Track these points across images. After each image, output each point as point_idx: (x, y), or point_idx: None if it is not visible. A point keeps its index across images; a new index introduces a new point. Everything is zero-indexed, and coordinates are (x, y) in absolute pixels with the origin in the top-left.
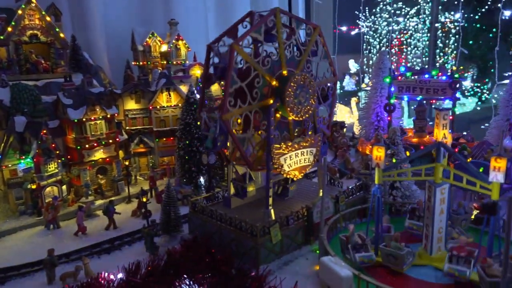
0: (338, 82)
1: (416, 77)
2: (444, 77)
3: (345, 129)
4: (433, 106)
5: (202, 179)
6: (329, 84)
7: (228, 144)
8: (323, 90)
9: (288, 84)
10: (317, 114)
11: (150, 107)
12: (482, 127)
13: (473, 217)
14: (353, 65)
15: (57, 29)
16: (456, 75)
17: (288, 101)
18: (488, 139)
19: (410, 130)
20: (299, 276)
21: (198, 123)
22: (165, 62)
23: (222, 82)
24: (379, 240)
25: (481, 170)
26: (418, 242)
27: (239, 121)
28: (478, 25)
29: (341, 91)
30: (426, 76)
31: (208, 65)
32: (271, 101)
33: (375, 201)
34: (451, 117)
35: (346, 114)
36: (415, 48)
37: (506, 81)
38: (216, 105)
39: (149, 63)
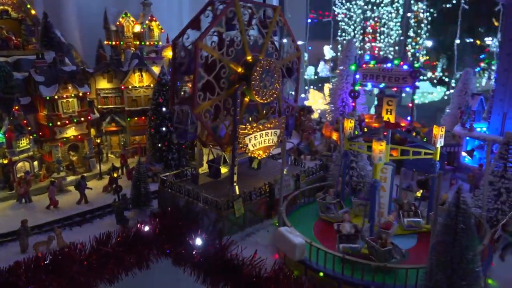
0: (313, 68)
1: (379, 65)
2: (405, 66)
3: (316, 114)
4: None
5: (172, 158)
6: (293, 60)
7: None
8: (287, 66)
9: (254, 69)
10: (282, 98)
11: (122, 87)
12: (443, 115)
13: (419, 194)
14: (328, 51)
15: (29, 6)
16: (417, 65)
17: (254, 85)
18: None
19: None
20: (259, 246)
21: (169, 104)
22: (138, 42)
23: (191, 76)
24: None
25: (424, 139)
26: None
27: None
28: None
29: (316, 77)
30: (389, 65)
31: (175, 60)
32: (238, 69)
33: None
34: (410, 104)
35: (320, 100)
36: (388, 37)
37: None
38: (187, 98)
39: (122, 43)
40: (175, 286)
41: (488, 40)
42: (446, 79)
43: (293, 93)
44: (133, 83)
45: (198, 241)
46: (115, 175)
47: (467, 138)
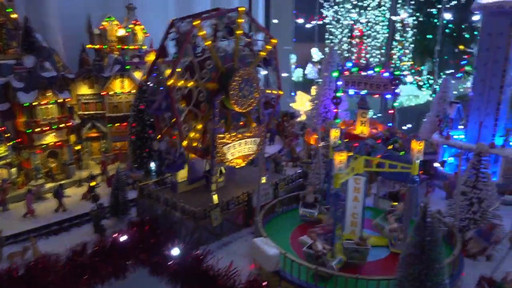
0: (301, 70)
1: (361, 72)
2: (386, 74)
3: (303, 116)
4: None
5: (153, 165)
6: (273, 96)
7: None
8: (264, 59)
9: (232, 79)
10: (261, 107)
11: (104, 93)
12: (424, 120)
13: (395, 203)
14: (316, 54)
15: (9, 10)
16: (397, 72)
17: (232, 95)
18: (422, 133)
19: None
20: (236, 256)
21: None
22: (121, 46)
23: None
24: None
25: (402, 153)
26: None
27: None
28: (435, 20)
29: (303, 79)
30: (370, 72)
31: (166, 37)
32: (216, 86)
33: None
34: (391, 111)
35: (307, 102)
36: (375, 40)
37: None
38: (170, 129)
39: (105, 47)
40: None
41: (471, 47)
42: (431, 83)
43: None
44: (114, 89)
45: (175, 251)
46: (93, 183)
47: (444, 146)
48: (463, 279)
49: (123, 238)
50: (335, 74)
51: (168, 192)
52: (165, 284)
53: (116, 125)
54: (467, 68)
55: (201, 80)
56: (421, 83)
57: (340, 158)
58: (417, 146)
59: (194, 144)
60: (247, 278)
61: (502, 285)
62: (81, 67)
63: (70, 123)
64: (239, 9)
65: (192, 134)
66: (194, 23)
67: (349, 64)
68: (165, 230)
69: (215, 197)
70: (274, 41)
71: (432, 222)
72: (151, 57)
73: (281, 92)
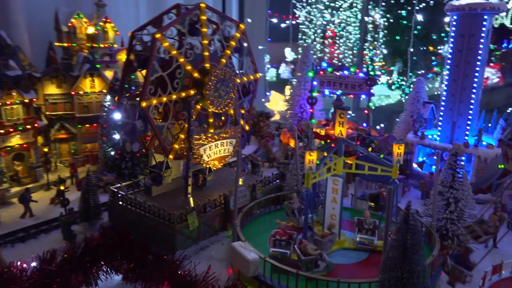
0: (274, 70)
1: (336, 72)
2: (361, 74)
3: (277, 116)
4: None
5: (125, 167)
6: (250, 81)
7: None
8: (244, 86)
9: (208, 78)
10: (237, 107)
11: (73, 93)
12: (397, 119)
13: (372, 204)
14: (289, 53)
15: None
16: (372, 73)
17: (208, 94)
18: (396, 133)
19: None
20: (213, 261)
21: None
22: (91, 44)
23: (143, 71)
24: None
25: (381, 156)
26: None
27: (159, 110)
28: (405, 22)
29: (277, 79)
30: (346, 72)
31: (130, 52)
32: (192, 92)
33: (305, 204)
34: (366, 111)
35: (280, 102)
36: (347, 41)
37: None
38: (137, 93)
39: (74, 45)
40: None
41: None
42: (402, 83)
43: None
44: (84, 88)
45: (149, 257)
46: (62, 187)
47: (419, 146)
48: (442, 279)
49: (95, 244)
50: (310, 74)
51: (141, 195)
52: None
53: (86, 126)
54: (437, 69)
55: (174, 91)
56: (391, 83)
57: (310, 157)
58: (397, 150)
59: (183, 152)
60: (226, 283)
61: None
62: (48, 65)
63: (37, 124)
64: (200, 5)
65: (177, 146)
66: (156, 36)
67: (324, 64)
68: (139, 235)
69: (191, 200)
70: (242, 26)
71: (414, 224)
72: (122, 56)
73: (258, 75)
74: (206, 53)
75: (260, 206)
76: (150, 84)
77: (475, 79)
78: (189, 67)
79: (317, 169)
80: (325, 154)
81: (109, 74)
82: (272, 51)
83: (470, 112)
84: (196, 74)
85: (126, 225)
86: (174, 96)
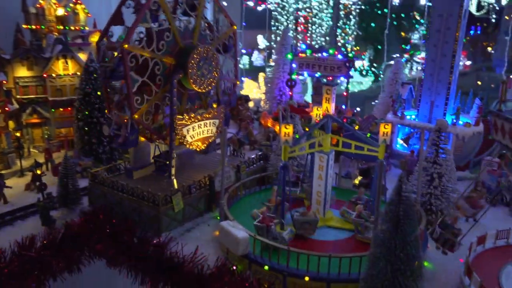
0: (247, 57)
1: (315, 54)
2: (340, 56)
3: (251, 103)
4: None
5: (103, 151)
6: (229, 35)
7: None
8: (223, 44)
9: (190, 57)
10: (220, 87)
11: (45, 75)
12: (373, 103)
13: (357, 181)
14: (262, 41)
15: None
16: (350, 55)
17: (191, 73)
18: (375, 114)
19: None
20: (200, 241)
21: (99, 93)
22: (61, 27)
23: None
24: (284, 212)
25: (368, 135)
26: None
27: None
28: (375, 9)
29: (250, 66)
30: (324, 54)
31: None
32: (173, 61)
33: (282, 177)
34: (345, 94)
35: (254, 89)
36: (320, 27)
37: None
38: (123, 101)
39: (43, 27)
40: None
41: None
42: (374, 70)
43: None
44: (57, 71)
45: (134, 240)
46: (39, 172)
47: (399, 125)
48: (428, 252)
49: (76, 229)
50: (289, 56)
51: (122, 179)
52: (125, 276)
53: (60, 110)
54: (411, 53)
55: (158, 52)
56: (363, 70)
57: (286, 130)
58: (384, 129)
59: (146, 121)
60: (215, 263)
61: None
62: (16, 48)
63: (8, 108)
64: None
65: (144, 108)
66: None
67: (303, 47)
68: (122, 219)
69: (175, 182)
70: (234, 27)
71: (407, 196)
72: (95, 38)
73: (234, 27)
74: (177, 36)
75: (245, 187)
76: (134, 95)
77: (453, 59)
78: (166, 59)
79: (296, 143)
80: (307, 129)
81: (82, 57)
82: (244, 39)
83: (448, 91)
84: (174, 62)
85: (108, 208)
86: (161, 94)
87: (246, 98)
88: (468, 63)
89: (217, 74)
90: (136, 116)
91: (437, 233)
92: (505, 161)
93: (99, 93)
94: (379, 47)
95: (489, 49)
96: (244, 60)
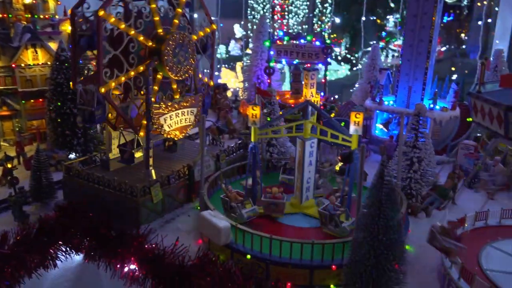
0: (224, 47)
1: (293, 41)
2: (317, 43)
3: (229, 92)
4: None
5: (77, 143)
6: (207, 35)
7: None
8: (202, 41)
9: (166, 43)
10: (197, 74)
11: (13, 65)
12: (351, 90)
13: (337, 168)
14: (238, 30)
15: None
16: (328, 41)
17: (167, 60)
18: (354, 100)
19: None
20: (181, 232)
21: (71, 83)
22: (30, 15)
23: (94, 51)
24: (256, 193)
25: (342, 124)
26: (290, 193)
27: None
28: None
29: (227, 56)
30: (302, 41)
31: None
32: (148, 43)
33: (251, 157)
34: (323, 81)
35: (232, 79)
36: (296, 16)
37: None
38: (92, 75)
39: (10, 16)
40: (90, 284)
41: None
42: (350, 57)
43: (208, 70)
44: (26, 60)
45: (112, 233)
46: (9, 165)
47: (377, 111)
48: (409, 236)
49: (51, 223)
50: (267, 43)
51: (98, 171)
52: (104, 270)
53: (31, 101)
54: (386, 40)
55: (132, 67)
56: (340, 58)
57: (252, 112)
58: (355, 118)
59: (114, 96)
60: (197, 254)
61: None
62: None
63: None
64: None
65: (113, 84)
66: (100, 14)
67: (280, 33)
68: (99, 212)
69: (153, 172)
70: (214, 26)
71: (389, 180)
72: (66, 27)
73: (214, 27)
74: (157, 18)
75: (225, 176)
76: (104, 67)
77: (430, 44)
78: (141, 38)
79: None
80: (281, 113)
81: (53, 46)
82: (220, 28)
83: (425, 76)
84: (150, 43)
85: (84, 202)
86: (133, 73)
87: (224, 87)
88: (444, 49)
89: (194, 62)
90: (103, 90)
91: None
92: (482, 144)
93: (71, 83)
94: (356, 34)
95: (462, 35)
96: (221, 49)
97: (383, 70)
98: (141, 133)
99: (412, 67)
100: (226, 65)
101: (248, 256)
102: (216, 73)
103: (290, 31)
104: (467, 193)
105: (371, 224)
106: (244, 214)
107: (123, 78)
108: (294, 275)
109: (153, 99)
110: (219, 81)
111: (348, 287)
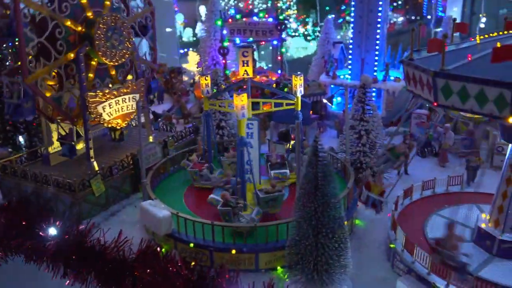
0: (191, 29)
1: (245, 19)
2: (270, 19)
3: (185, 77)
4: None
5: (21, 139)
6: (146, 15)
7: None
8: (140, 23)
9: (96, 26)
10: (137, 58)
11: None
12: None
13: (289, 146)
14: (203, 12)
15: None
16: (281, 17)
17: (99, 45)
18: (310, 76)
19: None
20: (125, 225)
21: None
22: None
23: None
24: (211, 158)
25: (285, 90)
26: None
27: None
28: None
29: (194, 39)
30: (255, 18)
31: None
32: (76, 28)
33: (204, 123)
34: (279, 58)
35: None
36: None
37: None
38: (16, 66)
39: None
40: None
41: None
42: (318, 34)
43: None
44: None
45: (52, 231)
46: None
47: (332, 86)
48: (359, 210)
49: None
50: (219, 23)
51: (39, 166)
52: (46, 269)
53: None
54: (346, 12)
55: (60, 55)
56: (307, 35)
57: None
58: (297, 81)
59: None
60: (139, 246)
61: None
62: None
63: None
64: None
65: (40, 74)
66: None
67: (232, 11)
68: (38, 210)
69: (95, 165)
70: (151, 7)
71: (324, 156)
72: None
73: (152, 7)
74: (84, 0)
75: (174, 162)
76: (28, 56)
77: (379, 14)
78: (69, 23)
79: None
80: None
81: None
82: (185, 12)
83: (377, 48)
84: (80, 28)
85: (23, 200)
86: (62, 61)
87: (179, 71)
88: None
89: (131, 45)
90: (29, 81)
91: (364, 196)
92: (434, 113)
93: None
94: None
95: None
96: (188, 33)
97: (336, 44)
98: (79, 124)
99: (363, 39)
100: (194, 48)
101: (191, 245)
102: (176, 56)
103: (255, 9)
104: (418, 161)
105: (307, 203)
106: (256, 218)
107: (52, 67)
108: (239, 260)
109: (90, 87)
110: (186, 65)
111: (291, 268)
